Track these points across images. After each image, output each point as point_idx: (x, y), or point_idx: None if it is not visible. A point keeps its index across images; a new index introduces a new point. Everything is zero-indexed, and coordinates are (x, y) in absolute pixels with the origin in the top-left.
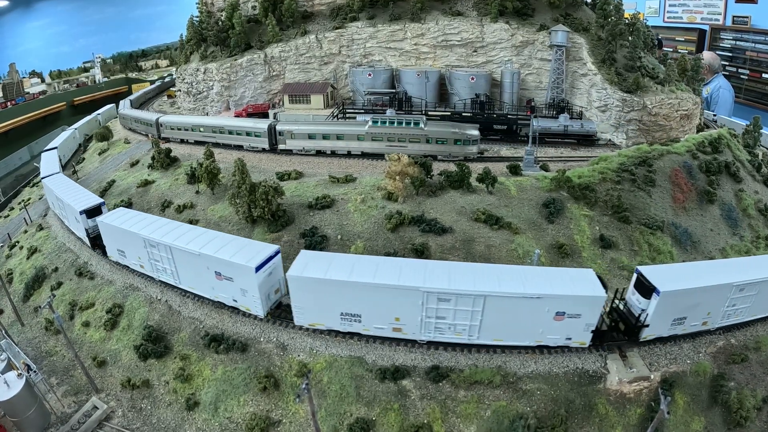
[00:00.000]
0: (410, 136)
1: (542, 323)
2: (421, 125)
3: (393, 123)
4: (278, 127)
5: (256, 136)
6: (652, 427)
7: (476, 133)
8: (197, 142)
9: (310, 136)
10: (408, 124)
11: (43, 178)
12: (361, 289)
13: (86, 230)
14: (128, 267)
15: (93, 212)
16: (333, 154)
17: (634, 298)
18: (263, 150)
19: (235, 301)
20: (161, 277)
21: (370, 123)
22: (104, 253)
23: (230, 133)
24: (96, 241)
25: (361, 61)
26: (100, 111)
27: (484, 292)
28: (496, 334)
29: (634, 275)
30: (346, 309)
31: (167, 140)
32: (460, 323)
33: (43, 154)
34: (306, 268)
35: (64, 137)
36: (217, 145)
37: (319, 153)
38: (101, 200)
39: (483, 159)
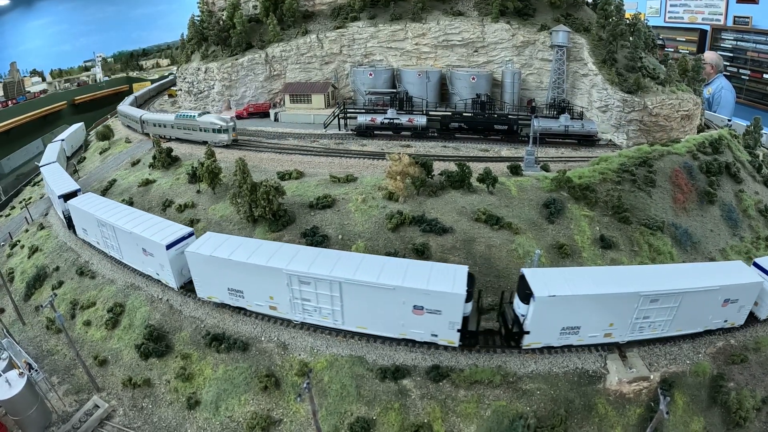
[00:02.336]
0: (191, 126)
1: (401, 316)
2: (196, 118)
3: (186, 116)
4: (143, 117)
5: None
6: (651, 426)
7: (222, 123)
8: (177, 139)
9: (155, 124)
10: (191, 117)
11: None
12: (238, 267)
13: (63, 212)
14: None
15: (69, 197)
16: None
17: (516, 302)
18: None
19: (158, 274)
20: (111, 252)
21: (173, 117)
22: (75, 233)
23: (172, 127)
24: (69, 222)
25: (362, 61)
26: (63, 135)
27: (339, 278)
28: (359, 322)
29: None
30: (231, 285)
31: (160, 137)
32: (324, 307)
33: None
34: (201, 246)
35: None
36: (179, 139)
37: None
38: (77, 187)
39: (483, 159)
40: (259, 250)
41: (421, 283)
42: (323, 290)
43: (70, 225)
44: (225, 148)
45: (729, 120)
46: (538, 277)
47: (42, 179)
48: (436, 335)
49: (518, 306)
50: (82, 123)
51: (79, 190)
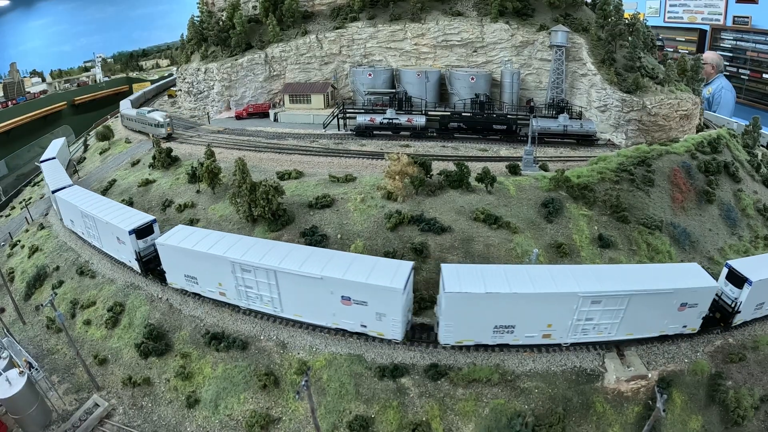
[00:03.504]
0: (143, 120)
1: (331, 305)
2: (153, 116)
3: (141, 113)
4: (122, 112)
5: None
6: (648, 424)
7: (161, 119)
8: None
9: (127, 119)
10: (143, 113)
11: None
12: (192, 256)
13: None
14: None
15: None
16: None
17: (439, 297)
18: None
19: (130, 261)
20: (93, 242)
21: (135, 113)
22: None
23: (135, 121)
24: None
25: (362, 61)
26: (52, 153)
27: (272, 267)
28: (296, 310)
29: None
30: (187, 272)
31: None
32: (264, 294)
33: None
34: (170, 238)
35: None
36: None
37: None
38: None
39: (482, 159)
40: (219, 242)
41: (350, 275)
42: (261, 278)
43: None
44: (224, 146)
45: (736, 122)
46: (454, 273)
47: (42, 179)
48: (365, 326)
49: (438, 303)
50: (63, 138)
51: (71, 185)
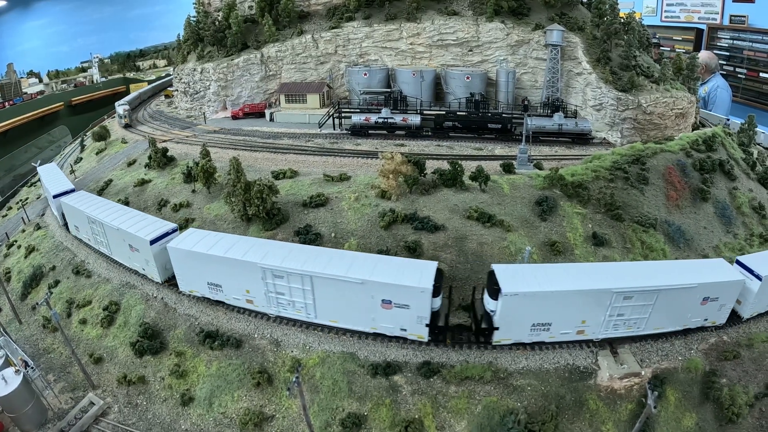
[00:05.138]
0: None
1: (371, 310)
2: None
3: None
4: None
5: None
6: (640, 421)
7: (122, 111)
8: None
9: None
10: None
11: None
12: (215, 261)
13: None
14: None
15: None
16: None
17: (485, 297)
18: None
19: (144, 269)
20: (101, 249)
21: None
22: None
23: None
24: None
25: (357, 61)
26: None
27: (310, 272)
28: (331, 315)
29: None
30: (210, 279)
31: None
32: (297, 300)
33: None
34: (182, 242)
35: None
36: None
37: None
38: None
39: (477, 158)
40: (236, 246)
41: (391, 278)
42: (296, 284)
43: (65, 224)
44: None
45: (727, 119)
46: (507, 273)
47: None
48: (405, 329)
49: (488, 302)
50: (53, 163)
51: (73, 190)
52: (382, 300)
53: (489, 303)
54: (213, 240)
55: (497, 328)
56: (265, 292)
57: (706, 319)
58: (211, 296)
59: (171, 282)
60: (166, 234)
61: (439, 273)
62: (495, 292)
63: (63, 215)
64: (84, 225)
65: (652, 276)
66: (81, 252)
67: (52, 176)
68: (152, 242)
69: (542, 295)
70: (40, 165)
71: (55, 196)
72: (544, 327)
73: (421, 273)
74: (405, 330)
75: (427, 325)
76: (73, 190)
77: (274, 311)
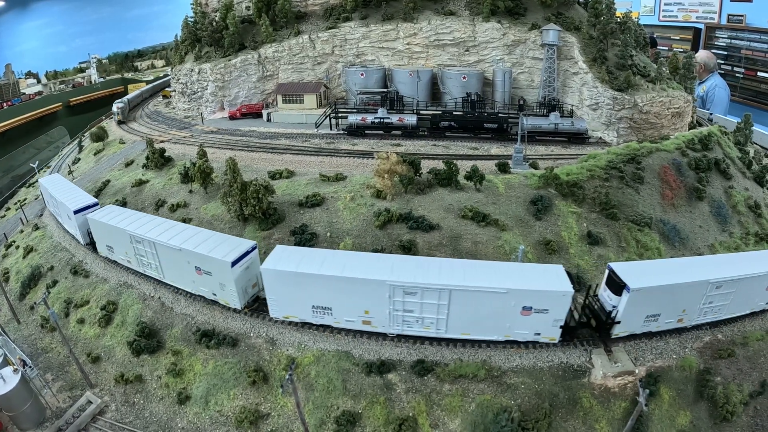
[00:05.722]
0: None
1: (509, 318)
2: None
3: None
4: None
5: None
6: (632, 419)
7: (116, 110)
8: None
9: None
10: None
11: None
12: (330, 282)
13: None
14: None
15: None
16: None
17: (605, 294)
18: None
19: (215, 294)
20: (147, 271)
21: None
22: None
23: None
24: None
25: (354, 61)
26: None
27: (449, 286)
28: (463, 329)
29: (606, 271)
30: (317, 302)
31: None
32: (427, 316)
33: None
34: (279, 262)
35: None
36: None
37: None
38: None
39: (473, 157)
40: (350, 263)
41: (533, 284)
42: (430, 299)
43: (91, 242)
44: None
45: (710, 114)
46: (627, 271)
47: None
48: (539, 333)
49: (610, 298)
50: (57, 174)
51: (96, 204)
52: (523, 307)
53: (612, 299)
54: (319, 258)
55: (619, 322)
56: (390, 311)
57: (537, 333)
58: (313, 321)
59: (250, 306)
60: (247, 253)
61: (569, 275)
62: (619, 288)
63: (89, 233)
64: (123, 245)
65: (733, 266)
66: (79, 252)
67: (63, 189)
68: (233, 264)
69: (662, 289)
70: (39, 170)
71: (76, 212)
72: (654, 318)
73: (556, 277)
74: (539, 334)
75: (561, 327)
76: (96, 204)
77: (396, 330)
